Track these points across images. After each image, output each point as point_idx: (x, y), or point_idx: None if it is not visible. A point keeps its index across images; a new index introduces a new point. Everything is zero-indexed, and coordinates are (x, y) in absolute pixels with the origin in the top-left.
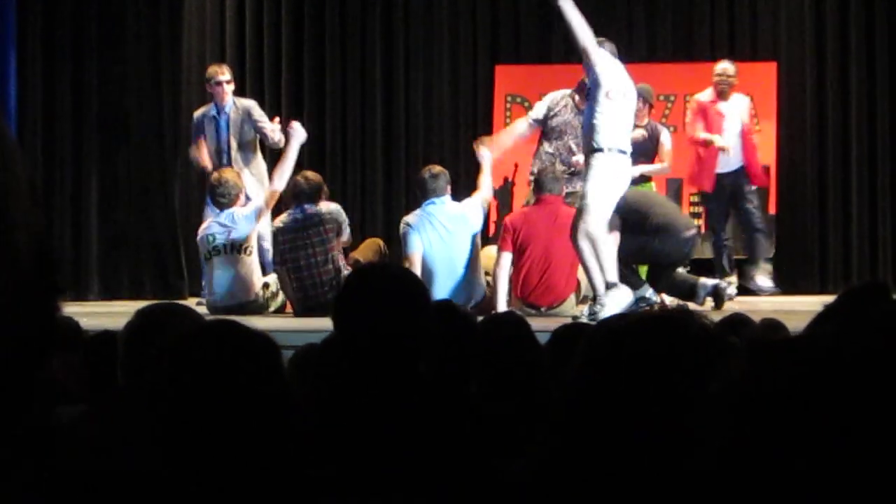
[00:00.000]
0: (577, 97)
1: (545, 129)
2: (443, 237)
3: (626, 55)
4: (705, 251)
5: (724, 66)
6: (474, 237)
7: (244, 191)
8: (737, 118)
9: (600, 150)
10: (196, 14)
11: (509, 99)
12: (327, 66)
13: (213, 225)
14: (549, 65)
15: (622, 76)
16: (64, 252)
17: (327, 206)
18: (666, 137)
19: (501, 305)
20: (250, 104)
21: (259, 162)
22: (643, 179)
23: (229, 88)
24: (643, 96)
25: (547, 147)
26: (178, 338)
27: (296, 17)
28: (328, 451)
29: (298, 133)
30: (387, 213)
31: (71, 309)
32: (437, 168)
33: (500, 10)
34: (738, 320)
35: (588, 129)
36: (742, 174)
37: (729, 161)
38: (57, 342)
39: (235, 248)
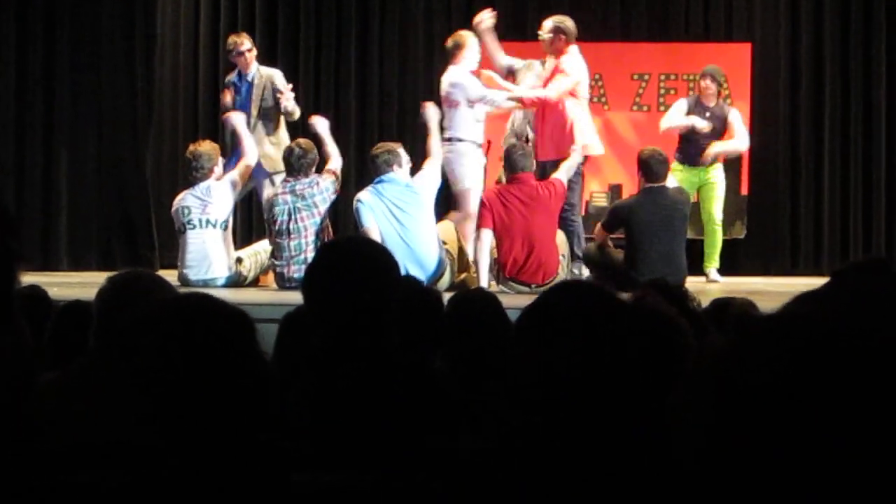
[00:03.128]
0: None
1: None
2: (395, 213)
3: (601, 34)
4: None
5: (544, 22)
6: (429, 209)
7: (220, 163)
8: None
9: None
10: None
11: (484, 75)
12: (301, 41)
13: (189, 197)
14: (524, 41)
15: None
16: (34, 222)
17: (320, 184)
18: (735, 116)
19: (484, 283)
20: (274, 73)
21: (281, 131)
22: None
23: (251, 56)
24: (712, 76)
25: (518, 114)
26: (150, 310)
27: None
28: (297, 424)
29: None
30: (360, 188)
31: (40, 279)
32: (388, 145)
33: None
34: (722, 303)
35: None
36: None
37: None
38: (15, 306)
39: (210, 222)
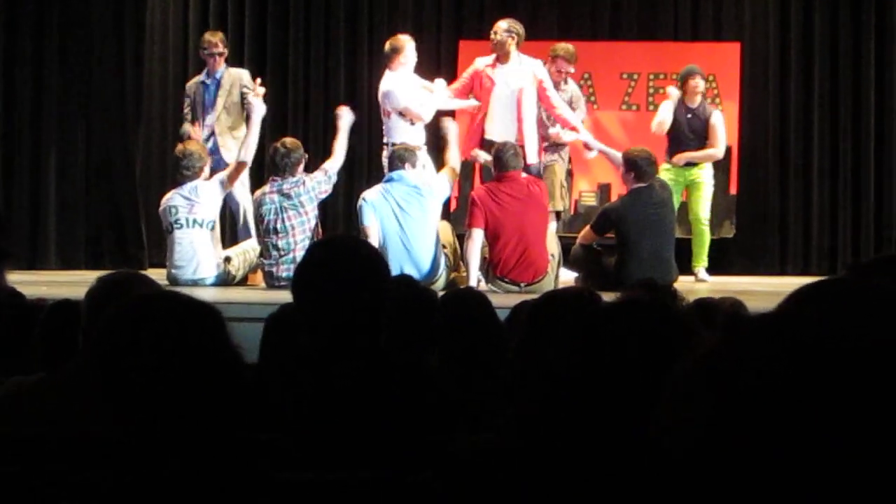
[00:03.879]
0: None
1: None
2: (396, 214)
3: (590, 33)
4: None
5: (498, 23)
6: (433, 214)
7: (208, 163)
8: (510, 85)
9: None
10: None
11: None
12: (290, 39)
13: (176, 197)
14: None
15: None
16: (22, 221)
17: (306, 183)
18: (717, 119)
19: (473, 282)
20: (242, 72)
21: (244, 127)
22: (690, 164)
23: (222, 58)
24: (702, 75)
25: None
26: (118, 309)
27: None
28: (288, 423)
29: (257, 108)
30: (348, 189)
31: (29, 278)
32: (402, 144)
33: None
34: (706, 304)
35: None
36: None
37: (498, 130)
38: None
39: (197, 222)
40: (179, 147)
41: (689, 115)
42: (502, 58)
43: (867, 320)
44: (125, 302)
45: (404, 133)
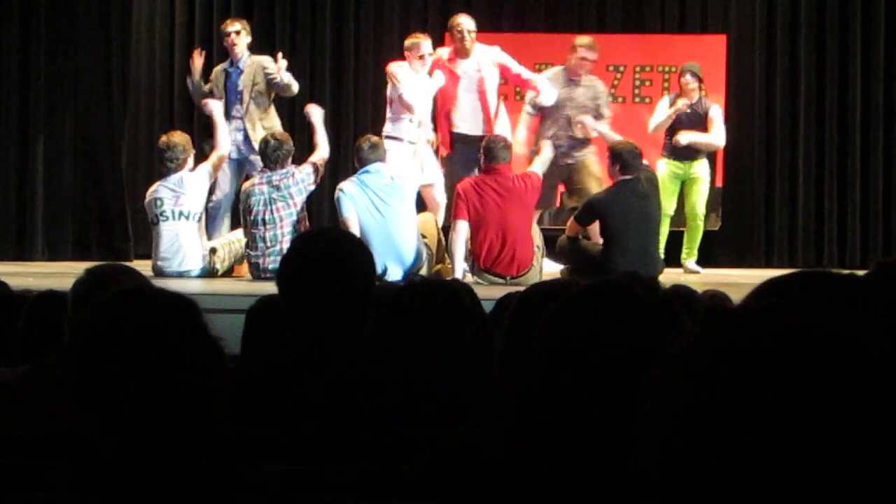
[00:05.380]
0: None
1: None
2: (377, 205)
3: (577, 26)
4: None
5: (459, 19)
6: (410, 204)
7: (192, 154)
8: (472, 77)
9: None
10: None
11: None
12: (277, 32)
13: (161, 189)
14: (500, 33)
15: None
16: (9, 212)
17: (295, 175)
18: (716, 112)
19: (458, 274)
20: (264, 58)
21: (272, 115)
22: (694, 154)
23: (240, 40)
24: (692, 72)
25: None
26: (94, 306)
27: None
28: (271, 415)
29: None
30: (333, 179)
31: (16, 269)
32: (375, 138)
33: None
34: (683, 293)
35: None
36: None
37: (466, 123)
38: None
39: (183, 214)
40: (163, 139)
41: (689, 111)
42: (462, 53)
43: (841, 310)
44: (101, 298)
45: (405, 124)
